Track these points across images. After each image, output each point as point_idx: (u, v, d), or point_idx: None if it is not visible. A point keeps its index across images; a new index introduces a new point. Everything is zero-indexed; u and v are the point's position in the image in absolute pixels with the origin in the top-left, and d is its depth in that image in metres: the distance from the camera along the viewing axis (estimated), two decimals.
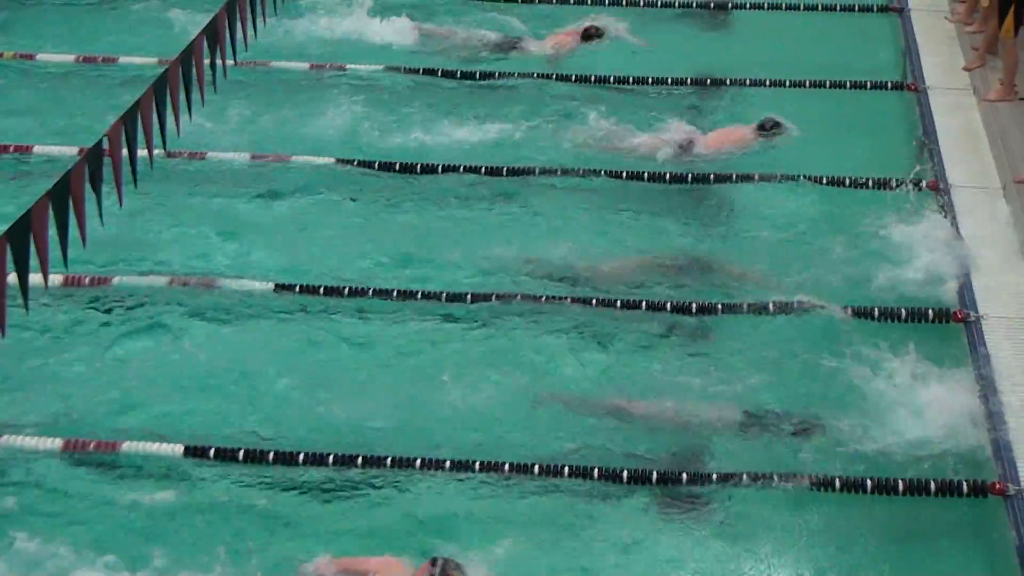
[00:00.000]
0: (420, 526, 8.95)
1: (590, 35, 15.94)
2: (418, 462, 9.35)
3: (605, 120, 13.98)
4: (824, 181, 12.85)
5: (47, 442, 9.47)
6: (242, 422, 9.90)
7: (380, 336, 10.87)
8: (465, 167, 13.13)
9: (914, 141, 13.96)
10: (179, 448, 9.45)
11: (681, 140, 13.56)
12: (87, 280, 11.25)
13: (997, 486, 9.09)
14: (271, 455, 9.43)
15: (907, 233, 11.86)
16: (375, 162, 13.24)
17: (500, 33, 16.25)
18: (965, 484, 9.14)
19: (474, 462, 9.34)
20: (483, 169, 13.09)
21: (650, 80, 15.02)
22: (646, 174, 13.03)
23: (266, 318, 11.06)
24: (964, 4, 16.41)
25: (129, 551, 8.54)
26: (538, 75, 15.05)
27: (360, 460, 9.37)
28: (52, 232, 8.29)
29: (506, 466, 9.32)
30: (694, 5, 17.17)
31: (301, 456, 9.41)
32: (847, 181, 12.85)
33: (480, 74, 15.09)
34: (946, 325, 10.81)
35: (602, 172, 13.07)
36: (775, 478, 9.18)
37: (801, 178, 12.89)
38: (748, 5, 17.17)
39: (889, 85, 15.02)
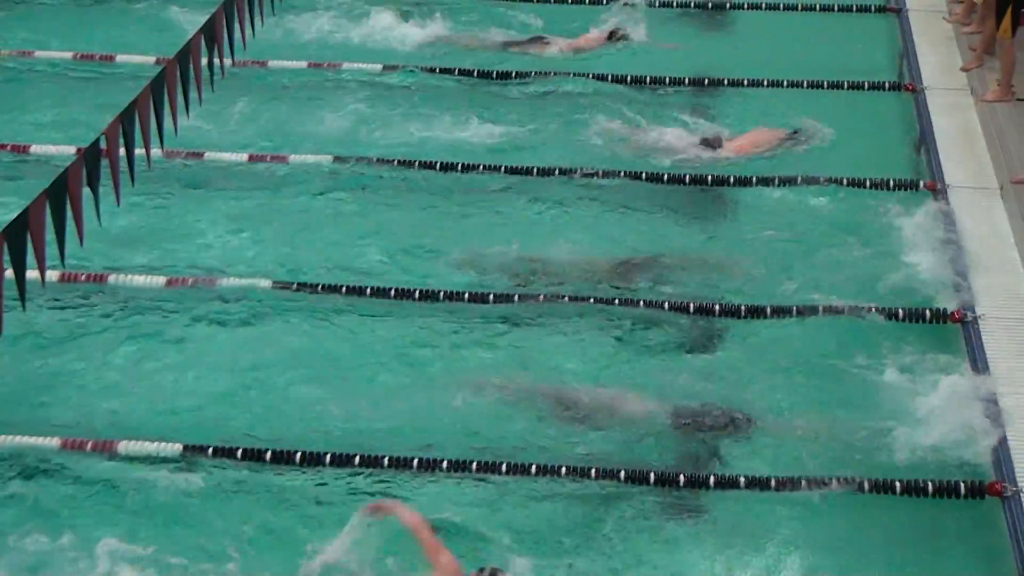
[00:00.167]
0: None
1: (616, 37, 16.04)
2: (415, 462, 9.34)
3: (622, 121, 14.01)
4: (821, 181, 12.86)
5: (46, 441, 9.46)
6: (241, 421, 9.89)
7: (380, 335, 10.87)
8: (463, 165, 13.14)
9: (912, 141, 13.97)
10: (177, 447, 9.44)
11: (711, 139, 13.59)
12: (83, 277, 11.24)
13: (995, 487, 9.10)
14: (268, 454, 9.43)
15: (905, 233, 11.86)
16: (374, 158, 13.25)
17: (503, 30, 16.26)
18: (963, 485, 9.14)
19: (471, 462, 9.34)
20: (481, 167, 13.12)
21: (648, 80, 15.03)
22: (644, 174, 13.07)
23: (264, 316, 11.06)
24: (962, 4, 16.43)
25: (129, 551, 8.52)
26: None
27: (357, 460, 9.36)
28: (51, 234, 8.29)
29: (503, 466, 9.32)
30: (692, 5, 17.19)
31: (298, 456, 9.39)
32: (844, 181, 12.85)
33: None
34: (944, 325, 10.81)
35: (601, 172, 13.07)
36: (773, 481, 9.18)
37: (799, 179, 12.90)
38: (746, 5, 17.19)
39: (887, 85, 15.03)
